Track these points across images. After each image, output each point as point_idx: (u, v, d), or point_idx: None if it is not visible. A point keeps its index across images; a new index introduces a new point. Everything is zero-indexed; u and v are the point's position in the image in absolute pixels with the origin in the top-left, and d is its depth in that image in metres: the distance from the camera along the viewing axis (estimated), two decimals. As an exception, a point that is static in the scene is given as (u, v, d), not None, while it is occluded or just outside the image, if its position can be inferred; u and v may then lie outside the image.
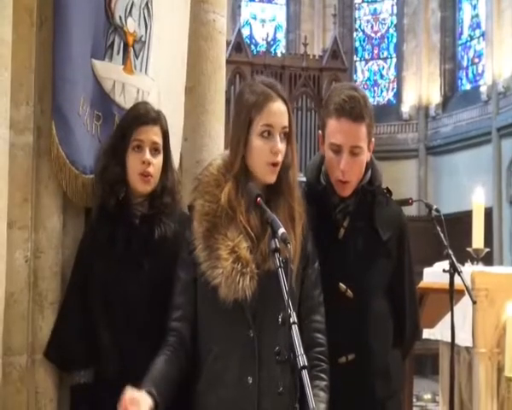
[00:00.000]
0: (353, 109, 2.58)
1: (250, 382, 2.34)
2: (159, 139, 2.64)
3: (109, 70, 2.79)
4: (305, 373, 1.88)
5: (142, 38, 2.92)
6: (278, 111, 2.42)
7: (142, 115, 2.62)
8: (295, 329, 1.95)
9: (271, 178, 2.43)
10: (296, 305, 2.34)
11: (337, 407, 2.43)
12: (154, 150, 2.63)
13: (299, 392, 1.92)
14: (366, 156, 2.66)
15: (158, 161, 2.64)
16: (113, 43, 2.80)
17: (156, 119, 2.64)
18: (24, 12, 2.58)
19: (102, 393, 2.56)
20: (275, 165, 2.41)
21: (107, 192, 2.60)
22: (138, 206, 2.65)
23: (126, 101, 2.81)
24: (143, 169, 2.60)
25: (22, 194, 2.57)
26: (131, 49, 2.87)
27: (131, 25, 2.86)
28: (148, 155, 2.60)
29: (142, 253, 2.60)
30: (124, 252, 2.59)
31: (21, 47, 2.57)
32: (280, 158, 2.41)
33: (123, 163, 2.61)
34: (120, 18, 2.82)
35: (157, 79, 3.00)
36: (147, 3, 2.94)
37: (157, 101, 2.95)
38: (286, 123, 2.43)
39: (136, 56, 2.89)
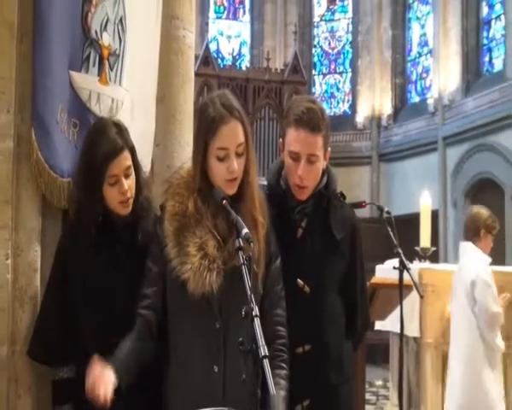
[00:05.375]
0: (311, 121, 2.58)
1: (216, 370, 2.34)
2: (129, 161, 2.57)
3: (86, 81, 2.77)
4: (266, 362, 1.89)
5: (117, 52, 2.91)
6: (231, 132, 2.40)
7: (112, 151, 2.50)
8: (257, 321, 1.96)
9: (231, 191, 2.43)
10: (259, 300, 2.35)
11: (295, 393, 2.44)
12: (128, 173, 2.56)
13: (261, 380, 1.93)
14: (322, 164, 2.67)
15: (132, 180, 2.58)
16: (89, 55, 2.78)
17: (123, 144, 2.54)
18: (5, 26, 2.55)
19: (85, 387, 2.53)
20: (232, 181, 2.42)
21: (86, 223, 2.54)
22: (119, 217, 2.59)
23: (101, 109, 2.80)
24: (123, 198, 2.54)
25: (3, 196, 2.54)
26: (106, 62, 2.85)
27: (106, 39, 2.85)
28: (125, 186, 2.53)
29: (126, 257, 2.56)
30: (109, 257, 2.55)
31: (2, 59, 2.55)
32: (237, 174, 2.42)
33: (99, 197, 2.53)
34: (96, 32, 2.80)
35: (130, 90, 2.99)
36: (121, 19, 2.93)
37: (130, 109, 2.95)
38: (240, 140, 2.42)
39: (111, 68, 2.88)
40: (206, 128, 2.41)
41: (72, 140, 2.71)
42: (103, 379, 2.18)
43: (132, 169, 2.59)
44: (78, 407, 2.55)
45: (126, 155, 2.55)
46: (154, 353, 2.41)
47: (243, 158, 2.44)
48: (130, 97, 2.99)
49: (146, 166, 2.94)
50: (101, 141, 2.52)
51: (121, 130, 2.59)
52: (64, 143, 2.68)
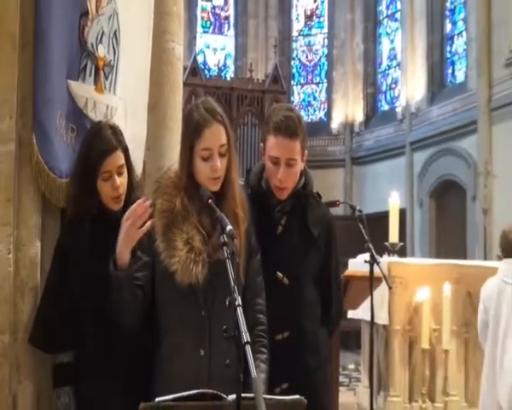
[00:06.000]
0: (289, 128, 2.59)
1: (202, 354, 2.34)
2: (123, 160, 2.57)
3: (82, 89, 2.75)
4: (247, 348, 1.89)
5: (111, 63, 2.90)
6: (214, 134, 2.41)
7: (106, 148, 2.52)
8: (240, 310, 1.95)
9: (215, 188, 2.44)
10: (241, 290, 2.35)
11: (274, 377, 2.44)
12: (121, 172, 2.56)
13: (243, 364, 1.92)
14: (300, 166, 2.68)
15: (125, 178, 2.58)
16: (85, 66, 2.77)
17: (117, 144, 2.55)
18: (7, 38, 2.53)
19: (84, 370, 2.52)
20: (216, 179, 2.42)
21: (81, 214, 2.53)
22: (113, 212, 2.58)
23: (97, 115, 2.79)
24: (115, 194, 2.55)
25: (6, 195, 2.52)
26: (102, 72, 2.84)
27: (102, 51, 2.84)
28: (117, 182, 2.53)
29: None
30: (105, 248, 2.51)
31: (5, 68, 2.53)
32: (220, 173, 2.42)
33: (94, 191, 2.53)
34: (92, 45, 2.79)
35: (124, 97, 2.98)
36: (115, 33, 2.92)
37: (123, 115, 2.94)
38: (223, 141, 2.43)
39: (106, 78, 2.87)
40: (192, 131, 2.42)
41: (70, 144, 2.70)
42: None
43: (125, 168, 2.59)
44: (78, 389, 2.54)
45: (120, 154, 2.56)
46: (139, 319, 2.38)
47: (226, 158, 2.45)
48: (124, 104, 2.98)
49: (138, 167, 2.93)
50: (98, 140, 2.54)
51: (116, 132, 2.59)
52: (62, 146, 2.66)
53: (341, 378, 8.06)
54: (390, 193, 5.64)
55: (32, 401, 2.59)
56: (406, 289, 5.62)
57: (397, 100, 15.62)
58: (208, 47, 18.23)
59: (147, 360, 2.44)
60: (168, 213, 2.41)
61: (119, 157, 2.55)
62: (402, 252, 6.36)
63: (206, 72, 16.81)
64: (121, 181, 2.56)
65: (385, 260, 5.44)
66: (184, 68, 12.09)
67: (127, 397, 2.33)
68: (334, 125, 17.02)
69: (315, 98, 18.02)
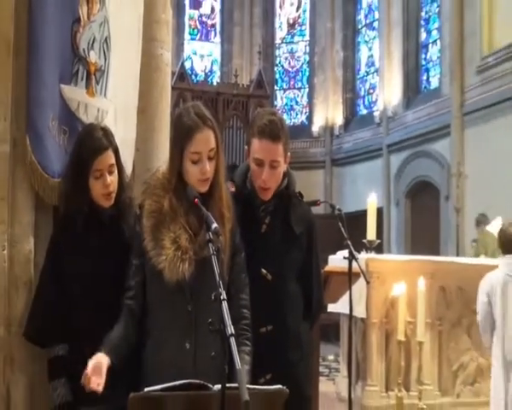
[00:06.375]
0: (272, 131, 2.59)
1: (188, 347, 2.33)
2: (113, 160, 2.56)
3: (74, 93, 2.74)
4: (232, 340, 1.89)
5: (102, 68, 2.88)
6: (204, 139, 2.40)
7: (98, 148, 2.51)
8: (225, 304, 1.95)
9: (204, 189, 2.43)
10: (226, 286, 2.34)
11: (259, 368, 2.44)
12: (111, 170, 2.55)
13: (228, 356, 1.92)
14: (283, 167, 2.67)
15: (115, 177, 2.57)
16: (77, 71, 2.75)
17: (108, 144, 2.54)
18: (2, 43, 2.51)
19: (78, 365, 2.49)
20: (205, 180, 2.42)
21: (73, 211, 2.52)
22: (104, 210, 2.57)
23: (88, 118, 2.77)
24: (106, 191, 2.53)
25: (0, 194, 2.50)
26: (93, 77, 2.82)
27: (93, 56, 2.82)
28: (108, 180, 2.52)
29: (112, 244, 2.54)
30: (97, 245, 2.52)
31: (0, 72, 2.51)
32: (208, 175, 2.42)
33: (85, 188, 2.52)
34: (84, 50, 2.77)
35: (114, 101, 2.96)
36: (106, 39, 2.90)
37: (114, 118, 2.93)
38: (212, 145, 2.42)
39: (97, 82, 2.85)
40: (183, 135, 2.41)
41: (62, 145, 2.68)
42: (98, 372, 2.18)
43: (115, 168, 2.58)
44: (72, 380, 2.51)
45: (110, 153, 2.55)
46: (136, 332, 2.39)
47: (214, 161, 2.44)
48: (114, 108, 2.96)
49: (128, 168, 2.92)
50: (89, 140, 2.53)
51: (107, 133, 2.58)
52: (55, 147, 2.64)
53: (321, 369, 8.07)
54: (368, 193, 5.65)
55: (25, 393, 2.57)
56: (383, 284, 5.65)
57: (374, 105, 15.69)
58: (195, 53, 18.23)
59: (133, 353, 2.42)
60: (156, 213, 2.40)
61: (109, 156, 2.54)
62: (379, 249, 6.39)
63: (194, 77, 16.80)
64: (112, 179, 2.55)
65: (363, 256, 5.45)
66: (172, 73, 12.04)
67: (124, 392, 2.31)
68: (315, 128, 17.08)
69: (297, 103, 18.07)
